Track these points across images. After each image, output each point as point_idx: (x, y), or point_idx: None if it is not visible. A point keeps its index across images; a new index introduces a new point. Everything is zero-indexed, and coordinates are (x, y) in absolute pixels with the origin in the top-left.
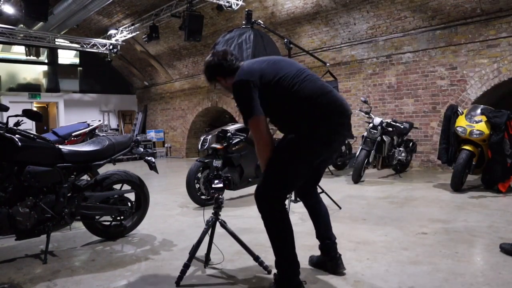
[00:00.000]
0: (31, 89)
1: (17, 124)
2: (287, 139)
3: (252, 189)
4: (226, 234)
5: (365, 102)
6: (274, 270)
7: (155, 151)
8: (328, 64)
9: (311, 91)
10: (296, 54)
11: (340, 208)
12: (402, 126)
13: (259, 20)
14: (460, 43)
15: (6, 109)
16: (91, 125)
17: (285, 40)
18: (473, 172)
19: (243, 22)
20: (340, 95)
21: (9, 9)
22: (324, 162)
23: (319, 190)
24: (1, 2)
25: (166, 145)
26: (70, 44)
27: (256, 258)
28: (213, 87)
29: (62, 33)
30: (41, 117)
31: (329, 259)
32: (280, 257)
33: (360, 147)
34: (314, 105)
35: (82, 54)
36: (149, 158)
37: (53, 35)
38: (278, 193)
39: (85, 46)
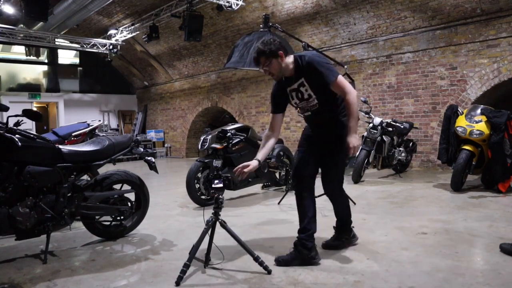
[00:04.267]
0: (31, 89)
1: (17, 124)
2: None
3: (252, 189)
4: (226, 234)
5: (365, 102)
6: (274, 270)
7: (155, 151)
8: (346, 67)
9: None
10: None
11: (354, 204)
12: (402, 126)
13: (276, 24)
14: (460, 43)
15: (6, 109)
16: (91, 125)
17: (303, 43)
18: (473, 172)
19: (261, 25)
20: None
21: (9, 9)
22: (323, 156)
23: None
24: (1, 2)
25: (166, 145)
26: (70, 44)
27: (256, 258)
28: (262, 65)
29: (62, 33)
30: (41, 117)
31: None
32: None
33: (360, 147)
34: None
35: (82, 54)
36: (149, 158)
37: (53, 35)
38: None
39: (85, 46)
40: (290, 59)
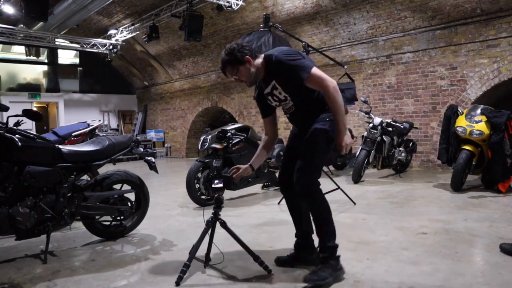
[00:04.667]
0: (31, 89)
1: (17, 124)
2: None
3: (252, 189)
4: (226, 234)
5: (365, 102)
6: (274, 271)
7: (155, 151)
8: (346, 67)
9: None
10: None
11: (354, 203)
12: (402, 126)
13: (276, 24)
14: (460, 43)
15: (6, 109)
16: (91, 125)
17: (303, 43)
18: (473, 172)
19: (261, 25)
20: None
21: (9, 9)
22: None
23: (335, 186)
24: (1, 2)
25: (166, 145)
26: (70, 44)
27: (256, 258)
28: (230, 74)
29: (62, 33)
30: (41, 117)
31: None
32: (329, 225)
33: (360, 147)
34: None
35: (82, 54)
36: (149, 158)
37: (53, 35)
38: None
39: (85, 46)
40: (260, 59)
